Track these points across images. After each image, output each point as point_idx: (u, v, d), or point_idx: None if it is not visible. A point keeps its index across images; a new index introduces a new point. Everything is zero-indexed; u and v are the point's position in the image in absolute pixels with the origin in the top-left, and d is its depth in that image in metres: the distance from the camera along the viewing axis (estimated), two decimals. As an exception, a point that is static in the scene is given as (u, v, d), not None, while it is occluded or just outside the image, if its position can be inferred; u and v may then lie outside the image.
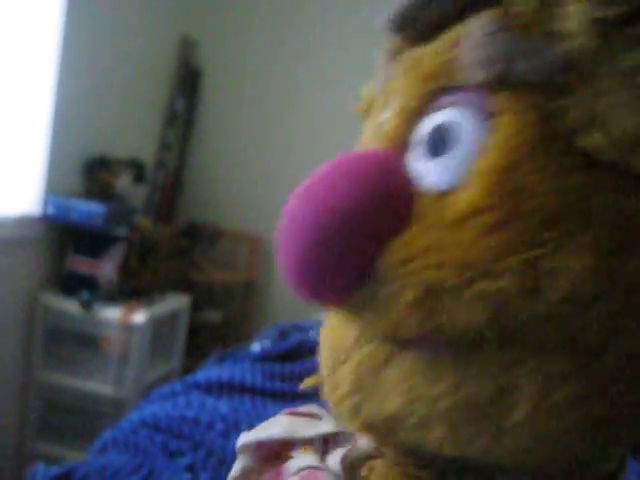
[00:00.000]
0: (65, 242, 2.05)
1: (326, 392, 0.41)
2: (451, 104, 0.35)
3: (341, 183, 0.34)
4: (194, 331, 2.60)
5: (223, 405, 1.08)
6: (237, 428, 0.98)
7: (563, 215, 0.31)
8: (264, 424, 0.41)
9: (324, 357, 0.41)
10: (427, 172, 0.35)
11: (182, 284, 2.49)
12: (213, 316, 2.78)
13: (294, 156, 2.87)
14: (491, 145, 0.32)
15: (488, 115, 0.33)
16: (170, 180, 2.90)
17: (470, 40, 0.34)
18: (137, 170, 2.30)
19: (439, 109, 0.35)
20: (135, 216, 2.22)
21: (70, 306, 1.96)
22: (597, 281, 0.30)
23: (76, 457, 1.84)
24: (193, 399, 1.11)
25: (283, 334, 1.52)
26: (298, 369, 1.25)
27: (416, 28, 0.38)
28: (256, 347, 1.46)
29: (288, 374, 1.25)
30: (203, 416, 1.01)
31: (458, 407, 0.33)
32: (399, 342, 0.35)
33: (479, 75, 0.33)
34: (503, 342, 0.32)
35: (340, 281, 0.34)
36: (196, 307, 2.59)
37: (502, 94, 0.33)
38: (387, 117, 0.39)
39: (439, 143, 0.34)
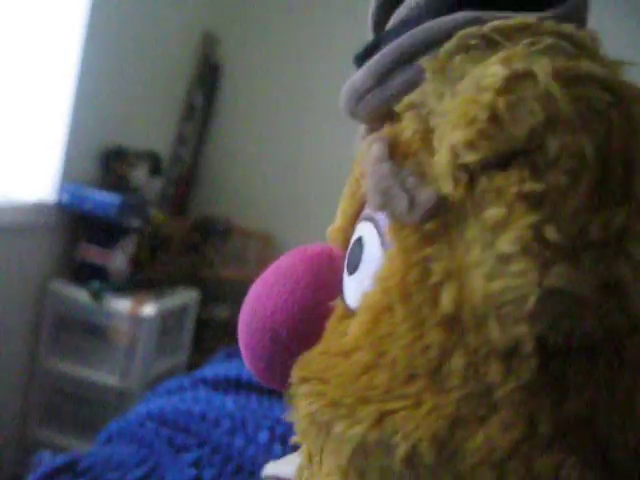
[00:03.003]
0: (78, 231, 2.06)
1: None
2: (367, 218, 0.34)
3: (276, 288, 0.37)
4: (202, 326, 2.60)
5: (230, 402, 1.08)
6: (243, 426, 0.98)
7: (419, 373, 0.28)
8: (289, 457, 0.42)
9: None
10: (347, 286, 0.35)
11: (192, 278, 2.50)
12: (221, 312, 2.78)
13: (310, 155, 2.87)
14: (378, 277, 0.31)
15: (385, 236, 0.32)
16: (185, 174, 2.90)
17: (365, 164, 0.32)
18: (153, 163, 2.30)
19: (363, 219, 0.35)
20: (149, 208, 2.22)
21: (80, 295, 1.97)
22: (436, 453, 0.27)
23: (79, 446, 1.85)
24: (200, 395, 1.11)
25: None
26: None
27: (362, 116, 0.37)
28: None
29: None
30: (210, 412, 1.01)
31: None
32: None
33: (369, 204, 0.32)
34: None
35: (270, 379, 0.38)
36: (205, 302, 2.59)
37: (389, 226, 0.31)
38: (339, 213, 0.40)
39: (355, 258, 0.34)
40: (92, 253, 2.02)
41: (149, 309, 1.98)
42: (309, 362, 0.33)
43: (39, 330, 2.01)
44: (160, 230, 2.24)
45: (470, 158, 0.26)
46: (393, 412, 0.28)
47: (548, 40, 0.27)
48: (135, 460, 0.87)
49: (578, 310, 0.25)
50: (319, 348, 0.34)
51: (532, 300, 0.25)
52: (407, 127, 0.30)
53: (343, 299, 0.35)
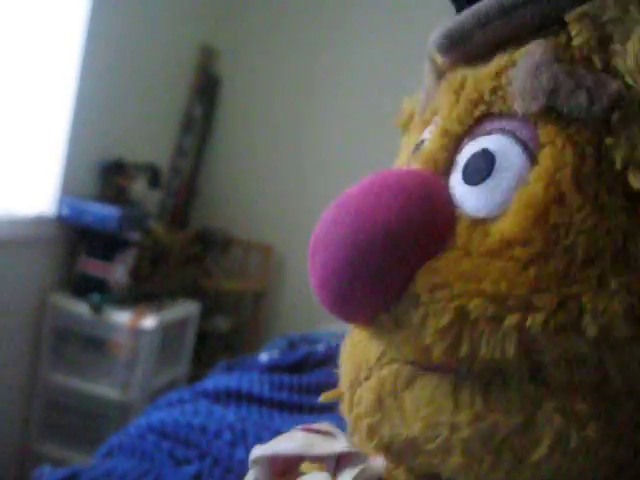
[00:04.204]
0: (78, 244, 2.06)
1: (344, 408, 0.41)
2: (496, 131, 0.35)
3: (385, 197, 0.34)
4: (202, 338, 2.59)
5: (231, 414, 1.08)
6: (244, 438, 0.98)
7: (601, 255, 0.30)
8: (279, 438, 0.41)
9: (345, 373, 0.41)
10: (468, 197, 0.35)
11: (192, 291, 2.49)
12: (222, 324, 2.77)
13: (309, 167, 2.87)
14: (533, 177, 0.32)
15: (533, 146, 0.33)
16: (184, 186, 2.90)
17: (520, 69, 0.33)
18: (152, 175, 2.31)
19: (484, 134, 0.35)
20: (149, 221, 2.23)
21: (80, 308, 1.97)
22: (631, 325, 0.30)
23: (80, 460, 1.84)
24: (201, 407, 1.11)
25: (292, 345, 1.51)
26: (306, 381, 1.25)
27: (467, 49, 0.38)
28: (264, 357, 1.45)
29: (296, 385, 1.25)
30: (211, 424, 1.01)
31: (479, 437, 0.32)
32: (423, 366, 0.35)
33: (526, 106, 0.33)
34: (531, 378, 0.32)
35: (372, 299, 0.34)
36: (205, 314, 2.58)
37: (548, 126, 0.32)
38: (429, 137, 0.39)
39: (482, 169, 0.34)
40: (92, 266, 2.02)
41: (149, 322, 1.98)
42: (441, 269, 0.33)
43: (39, 343, 2.01)
44: (160, 242, 2.24)
45: None
46: (577, 296, 0.30)
47: None
48: (136, 473, 0.87)
49: None
50: (452, 254, 0.33)
51: None
52: (579, 34, 0.32)
53: (460, 209, 0.35)
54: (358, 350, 0.40)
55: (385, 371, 0.37)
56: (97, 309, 1.94)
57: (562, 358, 0.31)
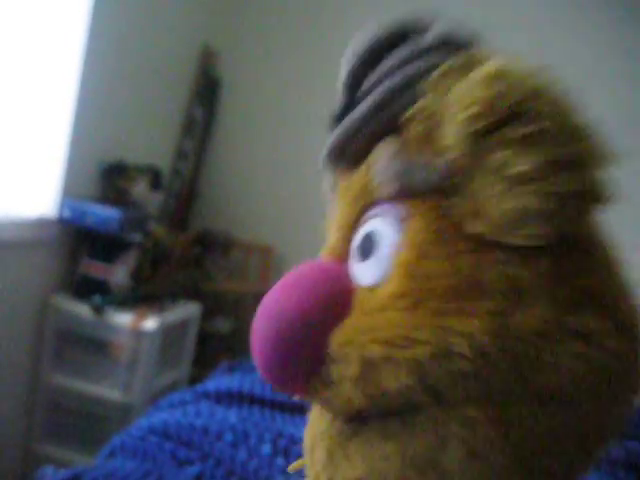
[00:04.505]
0: (79, 246, 2.06)
1: (307, 474, 0.47)
2: (374, 216, 0.43)
3: (295, 290, 0.42)
4: (203, 340, 2.59)
5: (232, 415, 1.08)
6: (246, 439, 0.98)
7: (461, 290, 0.38)
8: None
9: (305, 442, 0.48)
10: (362, 272, 0.43)
11: (193, 292, 2.50)
12: (223, 325, 2.78)
13: (309, 169, 2.87)
14: (403, 243, 0.40)
15: (401, 220, 0.41)
16: (185, 188, 2.91)
17: (378, 164, 0.43)
18: (154, 177, 2.31)
19: (366, 221, 0.44)
20: (150, 223, 2.23)
21: (81, 310, 1.97)
22: (492, 338, 0.36)
23: (82, 461, 1.84)
24: (203, 408, 1.11)
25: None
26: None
27: (344, 160, 0.46)
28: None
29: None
30: (212, 426, 1.01)
31: (407, 462, 0.38)
32: (358, 418, 0.41)
33: (387, 190, 0.42)
34: (433, 401, 0.37)
35: (301, 368, 0.41)
36: (206, 316, 2.59)
37: (407, 202, 0.41)
38: (331, 235, 0.48)
39: (367, 249, 0.43)
40: (93, 268, 2.02)
41: (151, 323, 1.98)
42: (346, 328, 0.40)
43: (41, 345, 2.01)
44: (161, 244, 2.24)
45: (473, 127, 0.36)
46: (449, 327, 0.36)
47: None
48: (138, 474, 0.87)
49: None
50: (353, 316, 0.41)
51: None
52: (413, 129, 0.41)
53: (358, 284, 0.43)
54: (313, 421, 0.48)
55: (332, 430, 0.44)
56: (98, 311, 1.95)
57: (449, 378, 0.37)
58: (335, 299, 0.42)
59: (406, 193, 0.41)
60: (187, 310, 2.37)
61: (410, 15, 0.47)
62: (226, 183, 3.01)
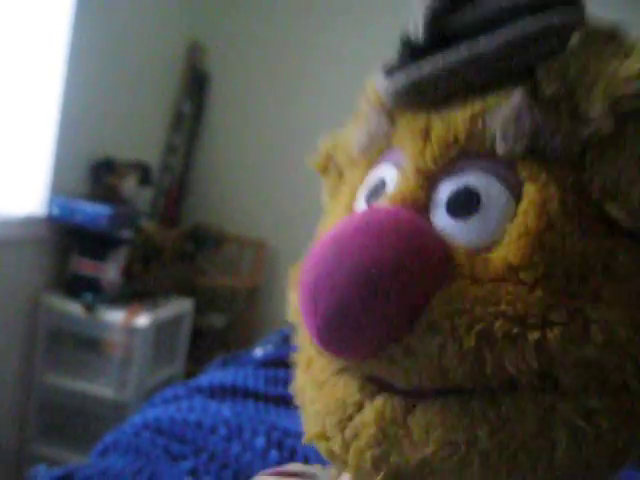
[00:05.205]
0: (69, 243, 2.05)
1: (333, 449, 0.41)
2: (475, 169, 0.38)
3: (385, 235, 0.36)
4: (197, 335, 2.59)
5: (226, 409, 1.08)
6: (240, 433, 0.97)
7: (593, 271, 0.35)
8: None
9: (320, 415, 0.42)
10: (457, 231, 0.37)
11: (186, 288, 2.49)
12: (216, 320, 2.77)
13: (300, 161, 2.86)
14: (522, 210, 0.36)
15: (514, 183, 0.37)
16: (175, 183, 2.90)
17: (500, 115, 0.37)
18: (143, 173, 2.30)
19: (460, 172, 0.38)
20: (140, 219, 2.22)
21: (73, 308, 1.96)
22: (628, 329, 0.34)
23: (77, 460, 1.84)
24: (196, 403, 1.11)
25: (286, 339, 1.51)
26: (301, 375, 1.25)
27: (430, 96, 0.40)
28: (258, 352, 1.45)
29: (291, 380, 1.24)
30: (206, 420, 1.01)
31: (497, 447, 0.35)
32: (416, 394, 0.37)
33: (508, 147, 0.36)
34: (543, 386, 0.35)
35: (385, 331, 0.35)
36: (199, 311, 2.58)
37: (528, 165, 0.37)
38: (396, 177, 0.41)
39: (468, 205, 0.37)
40: (84, 265, 2.01)
41: (143, 320, 1.97)
42: (456, 296, 0.35)
43: (33, 344, 2.00)
44: (152, 240, 2.23)
45: (632, 105, 0.34)
46: (581, 309, 0.34)
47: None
48: (132, 470, 0.87)
49: None
50: (461, 283, 0.36)
51: None
52: (549, 86, 0.36)
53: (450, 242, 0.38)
54: (328, 389, 0.41)
55: (378, 402, 0.38)
56: (90, 308, 1.94)
57: (574, 364, 0.34)
58: (435, 256, 0.36)
59: (528, 155, 0.37)
60: (180, 306, 2.36)
61: None
62: (217, 177, 3.00)
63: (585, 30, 0.37)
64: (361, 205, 0.44)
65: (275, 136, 2.94)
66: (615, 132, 0.35)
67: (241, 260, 2.92)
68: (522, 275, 0.35)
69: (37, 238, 1.98)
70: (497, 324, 0.34)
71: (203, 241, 2.67)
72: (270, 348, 1.44)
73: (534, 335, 0.33)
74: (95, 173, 2.17)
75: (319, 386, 0.42)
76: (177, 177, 2.91)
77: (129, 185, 2.20)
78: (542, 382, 0.35)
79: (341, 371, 0.40)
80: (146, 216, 2.47)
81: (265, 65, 2.93)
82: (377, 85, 0.43)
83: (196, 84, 2.91)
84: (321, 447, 0.42)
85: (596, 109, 0.35)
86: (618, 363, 0.34)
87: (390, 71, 0.41)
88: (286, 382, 1.24)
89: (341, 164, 0.50)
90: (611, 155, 0.35)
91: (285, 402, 1.17)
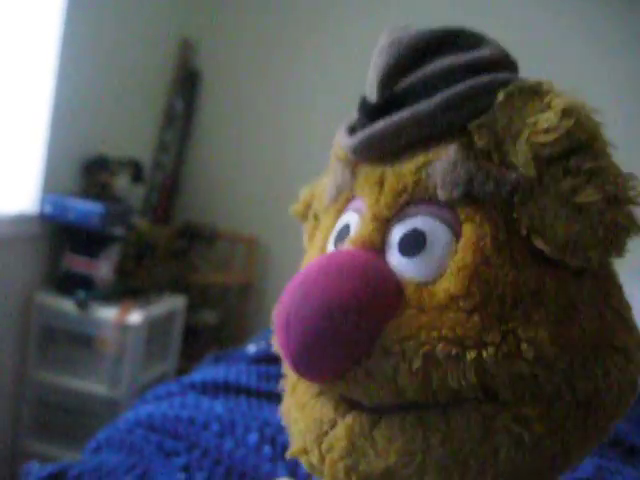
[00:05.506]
0: (62, 241, 2.05)
1: (313, 462, 0.47)
2: (422, 214, 0.44)
3: (346, 275, 0.42)
4: (190, 332, 2.59)
5: (219, 406, 1.08)
6: (233, 429, 0.98)
7: (524, 297, 0.40)
8: None
9: (301, 432, 0.48)
10: (408, 267, 0.43)
11: (178, 285, 2.49)
12: (209, 317, 2.77)
13: (292, 158, 2.87)
14: (461, 247, 0.42)
15: (455, 223, 0.42)
16: (168, 181, 2.89)
17: (440, 166, 0.43)
18: (135, 170, 2.30)
19: (408, 217, 0.44)
20: (132, 216, 2.22)
21: (65, 305, 1.96)
22: (555, 345, 0.40)
23: (69, 457, 1.84)
24: (189, 399, 1.11)
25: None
26: (294, 371, 1.25)
27: (378, 152, 0.46)
28: (251, 348, 1.46)
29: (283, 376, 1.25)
30: (198, 416, 1.01)
31: (449, 454, 0.40)
32: (381, 410, 0.42)
33: (447, 193, 0.42)
34: (485, 398, 0.40)
35: (346, 357, 0.41)
36: (192, 308, 2.58)
37: (465, 208, 0.42)
38: (357, 222, 0.48)
39: (416, 244, 0.43)
40: (77, 263, 2.01)
41: (136, 317, 1.98)
42: (405, 324, 0.41)
43: (26, 341, 2.00)
44: (144, 237, 2.23)
45: (545, 152, 0.40)
46: (513, 330, 0.40)
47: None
48: (125, 467, 0.87)
49: None
50: (409, 312, 0.41)
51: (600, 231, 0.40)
52: (481, 139, 0.42)
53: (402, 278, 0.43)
54: (308, 410, 0.47)
55: (349, 419, 0.44)
56: (83, 306, 1.94)
57: (509, 378, 0.39)
58: (387, 291, 0.42)
59: (468, 199, 0.42)
60: (172, 303, 2.36)
61: (449, 25, 0.48)
62: (209, 174, 3.00)
63: (512, 87, 0.42)
64: (331, 247, 0.50)
65: (266, 133, 2.94)
66: (538, 176, 0.40)
67: (233, 257, 2.92)
68: (461, 303, 0.40)
69: (30, 236, 1.98)
70: (439, 346, 0.39)
71: (195, 238, 2.68)
72: (263, 344, 1.44)
73: (471, 355, 0.39)
74: (87, 171, 2.17)
75: (301, 407, 0.48)
76: (169, 174, 2.91)
77: (121, 183, 2.20)
78: (485, 395, 0.40)
79: (319, 394, 0.46)
80: (138, 213, 2.47)
81: (256, 63, 2.93)
82: (341, 142, 0.49)
83: (188, 82, 2.91)
84: (303, 460, 0.48)
85: (521, 157, 0.41)
86: (548, 376, 0.40)
87: (351, 130, 0.49)
88: (279, 378, 1.24)
89: (318, 211, 0.57)
90: (535, 196, 0.41)
91: (278, 398, 1.17)
